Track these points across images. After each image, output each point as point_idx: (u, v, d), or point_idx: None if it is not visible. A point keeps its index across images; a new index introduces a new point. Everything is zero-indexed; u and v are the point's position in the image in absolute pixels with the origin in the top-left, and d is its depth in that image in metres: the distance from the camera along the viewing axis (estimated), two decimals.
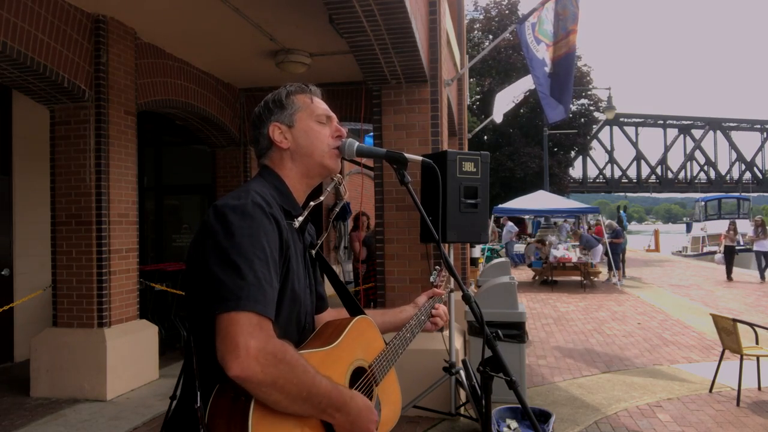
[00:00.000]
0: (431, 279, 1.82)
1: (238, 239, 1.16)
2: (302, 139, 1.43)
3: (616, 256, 14.05)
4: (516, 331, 4.75)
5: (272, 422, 1.12)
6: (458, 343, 4.77)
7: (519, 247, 20.27)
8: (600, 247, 14.10)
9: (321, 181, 1.50)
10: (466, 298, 1.61)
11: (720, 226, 27.61)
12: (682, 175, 54.79)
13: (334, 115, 1.50)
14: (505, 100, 10.35)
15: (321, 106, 1.49)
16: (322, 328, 1.43)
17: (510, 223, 20.22)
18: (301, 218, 1.40)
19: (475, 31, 26.64)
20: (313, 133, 1.44)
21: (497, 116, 10.73)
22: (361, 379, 1.38)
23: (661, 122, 55.62)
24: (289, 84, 1.50)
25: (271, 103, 1.45)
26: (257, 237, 1.18)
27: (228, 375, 1.07)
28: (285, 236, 1.27)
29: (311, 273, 1.46)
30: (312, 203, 1.48)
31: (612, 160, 53.15)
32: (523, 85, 9.82)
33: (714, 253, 25.51)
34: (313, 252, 1.50)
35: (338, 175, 1.52)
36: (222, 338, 1.09)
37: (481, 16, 27.09)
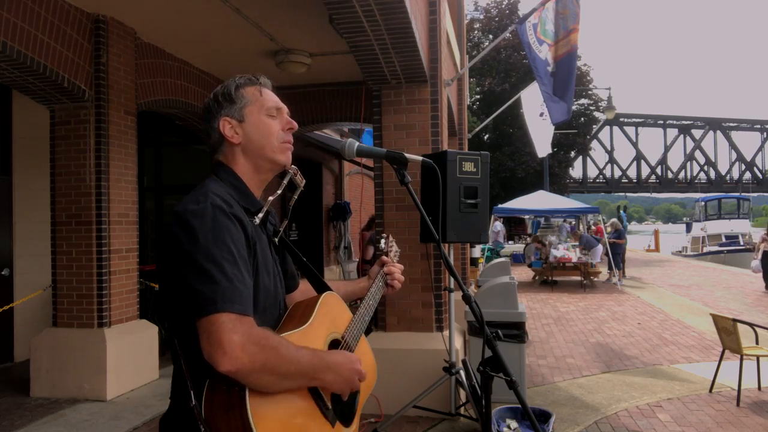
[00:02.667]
0: (381, 246, 1.87)
1: (204, 245, 1.19)
2: (253, 133, 1.42)
3: (617, 256, 14.05)
4: (516, 331, 4.75)
5: (268, 403, 1.18)
6: (458, 343, 4.77)
7: (514, 248, 20.22)
8: (600, 247, 14.10)
9: (273, 175, 1.50)
10: (466, 298, 1.61)
11: (720, 227, 27.65)
12: (682, 175, 54.81)
13: (284, 107, 1.49)
14: (538, 127, 10.32)
15: (271, 98, 1.47)
16: (292, 309, 1.47)
17: (497, 223, 19.66)
18: (261, 215, 1.41)
19: (475, 31, 26.64)
20: (263, 126, 1.42)
21: (541, 151, 10.79)
22: (338, 349, 1.45)
23: (661, 122, 55.63)
24: (239, 76, 1.47)
25: (220, 97, 1.43)
26: (222, 239, 1.21)
27: (218, 371, 1.12)
28: (250, 233, 1.30)
29: (277, 260, 1.50)
30: (270, 198, 1.49)
31: (612, 160, 53.16)
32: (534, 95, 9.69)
33: (714, 253, 25.53)
34: (276, 240, 1.53)
35: (293, 166, 1.52)
36: (206, 339, 1.14)
37: (481, 16, 27.09)
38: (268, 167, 1.45)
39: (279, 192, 1.53)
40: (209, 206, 1.23)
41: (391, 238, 1.90)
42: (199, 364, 1.18)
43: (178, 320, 1.26)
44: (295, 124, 1.49)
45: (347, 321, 1.54)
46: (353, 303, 1.70)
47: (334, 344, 1.45)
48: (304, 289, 1.67)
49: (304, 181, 1.56)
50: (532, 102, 9.88)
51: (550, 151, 10.96)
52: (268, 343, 1.17)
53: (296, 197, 1.60)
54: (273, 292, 1.40)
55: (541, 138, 10.59)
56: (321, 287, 1.61)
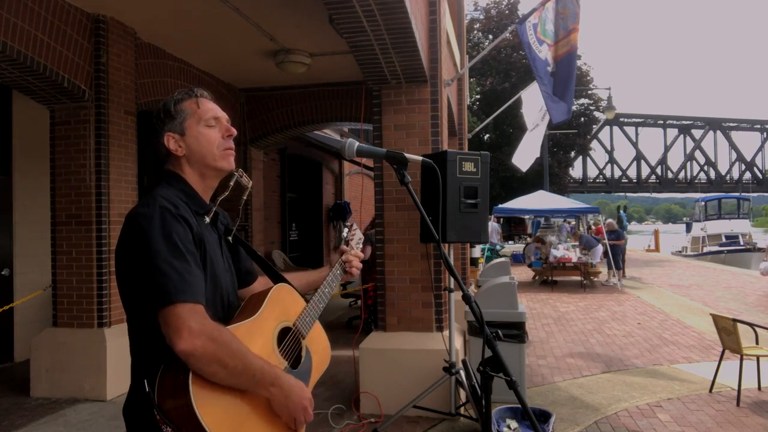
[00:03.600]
0: (343, 235, 1.94)
1: (154, 245, 1.32)
2: (194, 145, 1.52)
3: (616, 257, 14.05)
4: (516, 331, 4.75)
5: (211, 388, 1.28)
6: (458, 343, 4.77)
7: (514, 248, 20.18)
8: (600, 247, 14.10)
9: (218, 180, 1.60)
10: (466, 298, 1.61)
11: (720, 227, 27.65)
12: (682, 175, 54.83)
13: (223, 115, 1.58)
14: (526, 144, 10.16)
15: (208, 108, 1.56)
16: (246, 302, 1.57)
17: (492, 223, 19.43)
18: (210, 215, 1.54)
19: (475, 31, 26.65)
20: (202, 138, 1.52)
21: (522, 165, 10.53)
22: (288, 335, 1.55)
23: (661, 122, 55.65)
24: (177, 92, 1.57)
25: (162, 114, 1.53)
26: (170, 238, 1.33)
27: (175, 350, 1.25)
28: (196, 230, 1.42)
29: (228, 257, 1.62)
30: (219, 198, 1.61)
31: (612, 160, 53.18)
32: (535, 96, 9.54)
33: (714, 253, 25.52)
34: (230, 238, 1.65)
35: (239, 169, 1.62)
36: (166, 326, 1.28)
37: (481, 16, 27.09)
38: (212, 174, 1.55)
39: (227, 193, 1.63)
40: (157, 208, 1.36)
41: (354, 227, 1.97)
42: (153, 353, 1.33)
43: (133, 313, 1.41)
44: (234, 131, 1.59)
45: (299, 309, 1.63)
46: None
47: (285, 331, 1.54)
48: (265, 282, 1.76)
49: (251, 182, 1.67)
50: (531, 108, 9.73)
51: (529, 165, 10.76)
52: (220, 336, 1.29)
53: (245, 197, 1.78)
54: (222, 285, 1.51)
55: (526, 150, 10.39)
56: (276, 280, 1.70)
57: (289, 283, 1.67)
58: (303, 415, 1.43)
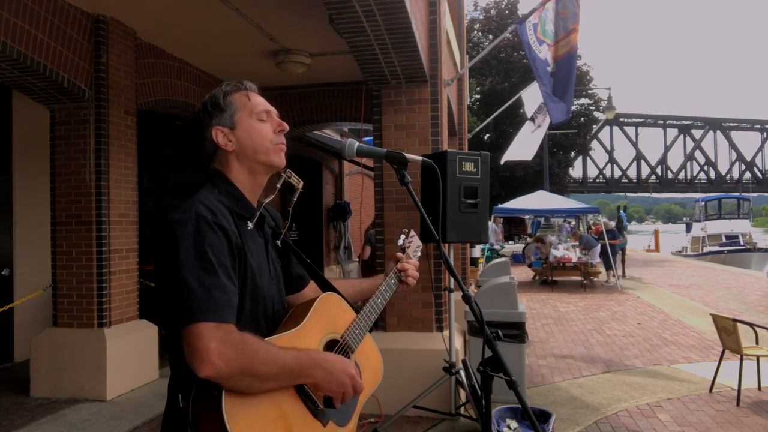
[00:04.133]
0: (399, 242, 1.85)
1: (183, 255, 1.23)
2: (245, 139, 1.43)
3: (607, 256, 14.04)
4: (516, 331, 4.75)
5: (247, 405, 1.20)
6: (458, 343, 4.77)
7: (514, 248, 20.17)
8: (599, 247, 14.09)
9: (268, 177, 1.52)
10: (466, 298, 1.61)
11: (720, 227, 27.64)
12: (682, 175, 54.83)
13: (273, 109, 1.51)
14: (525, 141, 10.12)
15: (259, 102, 1.48)
16: (292, 311, 1.49)
17: (490, 224, 19.52)
18: (254, 219, 1.44)
19: (475, 31, 26.65)
20: (255, 131, 1.44)
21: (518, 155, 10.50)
22: (335, 348, 1.45)
23: (661, 122, 55.65)
24: (225, 84, 1.49)
25: (209, 106, 1.45)
26: (201, 249, 1.24)
27: (199, 377, 1.17)
28: (234, 240, 1.32)
29: (276, 262, 1.52)
30: (264, 201, 1.51)
31: (612, 160, 53.19)
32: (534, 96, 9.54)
33: (714, 253, 25.51)
34: (279, 242, 1.56)
35: (287, 169, 1.54)
36: (186, 348, 1.19)
37: (481, 16, 27.09)
38: (263, 170, 1.47)
39: (273, 195, 1.54)
40: (193, 215, 1.27)
41: (411, 233, 1.88)
42: (188, 369, 1.22)
43: (167, 322, 1.30)
44: (286, 126, 1.50)
45: (348, 321, 1.53)
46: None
47: (331, 344, 1.45)
48: (316, 289, 1.67)
49: (301, 182, 1.57)
50: (533, 107, 9.73)
51: (528, 158, 10.72)
52: (245, 346, 1.20)
53: (295, 199, 1.61)
54: (265, 295, 1.41)
55: (523, 144, 10.34)
56: (325, 288, 1.61)
57: (338, 292, 1.57)
58: (352, 386, 1.36)
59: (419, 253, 1.88)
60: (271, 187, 1.55)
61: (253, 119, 1.45)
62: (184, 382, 1.25)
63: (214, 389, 1.18)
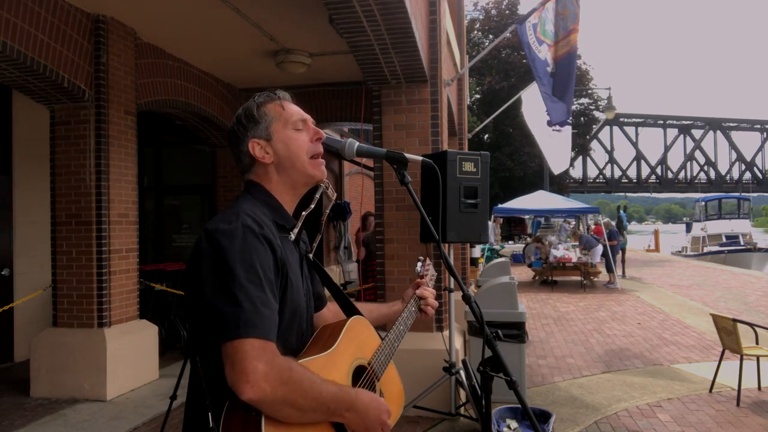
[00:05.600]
0: (417, 269, 1.82)
1: (231, 266, 1.17)
2: (283, 150, 1.40)
3: (614, 257, 14.05)
4: (516, 331, 4.75)
5: (284, 430, 1.16)
6: (458, 343, 4.77)
7: (514, 248, 20.16)
8: (600, 247, 14.10)
9: (307, 189, 1.49)
10: (466, 298, 1.61)
11: (720, 227, 27.64)
12: (682, 175, 54.83)
13: (309, 117, 1.48)
14: (550, 146, 10.12)
15: (294, 111, 1.45)
16: (319, 332, 1.45)
17: (489, 223, 19.45)
18: (296, 230, 1.40)
19: (475, 31, 26.66)
20: (292, 142, 1.41)
21: (556, 168, 10.48)
22: (363, 376, 1.41)
23: (661, 122, 55.65)
24: (257, 95, 1.47)
25: (244, 119, 1.42)
26: (250, 261, 1.19)
27: (241, 399, 1.11)
28: (279, 254, 1.28)
29: (307, 279, 1.48)
30: (304, 213, 1.48)
31: (612, 160, 53.18)
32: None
33: (715, 253, 25.51)
34: (311, 256, 1.52)
35: (324, 181, 1.51)
36: (231, 366, 1.12)
37: (481, 16, 27.11)
38: (303, 181, 1.44)
39: (312, 206, 1.51)
40: (240, 226, 1.22)
41: (428, 262, 1.85)
42: (221, 385, 1.16)
43: (202, 338, 1.23)
44: (323, 134, 1.48)
45: (375, 346, 1.50)
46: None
47: (360, 370, 1.41)
48: (335, 310, 1.63)
49: (335, 194, 1.53)
50: (537, 111, 9.71)
51: (567, 165, 10.72)
52: (291, 375, 1.16)
53: (328, 211, 1.58)
54: (301, 311, 1.37)
55: (557, 152, 10.35)
56: (349, 310, 1.57)
57: (363, 316, 1.53)
58: (381, 430, 1.32)
59: (433, 282, 1.86)
60: (308, 199, 1.52)
61: (289, 129, 1.42)
62: (215, 400, 1.20)
63: (252, 411, 1.13)
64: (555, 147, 10.18)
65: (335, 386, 1.24)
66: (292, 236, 1.39)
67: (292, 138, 1.41)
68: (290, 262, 1.33)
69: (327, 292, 1.66)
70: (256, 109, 1.42)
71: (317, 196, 1.51)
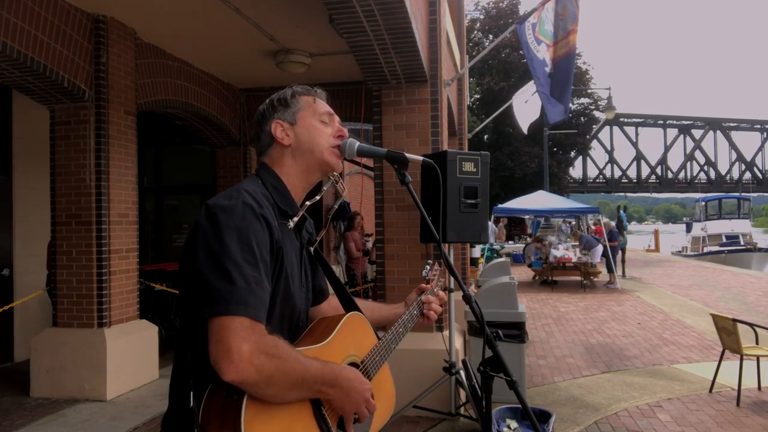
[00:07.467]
0: (423, 273, 1.81)
1: (228, 241, 1.17)
2: (304, 136, 1.44)
3: (614, 257, 14.05)
4: (516, 331, 4.75)
5: (264, 417, 1.14)
6: (458, 343, 4.77)
7: (514, 248, 20.16)
8: (600, 247, 14.10)
9: (321, 178, 1.51)
10: (467, 298, 1.61)
11: (720, 227, 27.65)
12: (682, 175, 54.83)
13: (336, 116, 1.53)
14: (522, 109, 10.40)
15: (324, 106, 1.52)
16: (314, 324, 1.45)
17: (489, 223, 19.44)
18: (296, 218, 1.40)
19: (475, 31, 26.67)
20: (315, 130, 1.46)
21: (523, 127, 10.91)
22: None
23: (661, 122, 55.66)
24: (296, 85, 1.53)
25: (276, 102, 1.48)
26: (247, 239, 1.19)
27: (223, 380, 1.08)
28: (276, 237, 1.27)
29: (307, 270, 1.48)
30: (308, 202, 1.49)
31: (612, 160, 53.19)
32: (531, 88, 9.82)
33: (715, 253, 25.52)
34: (312, 249, 1.52)
35: (334, 174, 1.53)
36: (215, 342, 1.10)
37: (481, 16, 27.12)
38: (318, 167, 1.46)
39: (318, 197, 1.52)
40: (240, 203, 1.22)
41: (436, 266, 1.85)
42: (204, 367, 1.15)
43: (192, 315, 1.20)
44: (346, 132, 1.52)
45: (370, 345, 1.49)
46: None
47: (352, 367, 1.41)
48: (335, 305, 1.62)
49: (345, 190, 1.57)
50: (520, 106, 10.04)
51: (524, 130, 11.20)
52: (277, 352, 1.14)
53: (336, 206, 1.61)
54: (295, 301, 1.36)
55: (526, 115, 10.72)
56: (350, 306, 1.56)
57: (362, 313, 1.53)
58: (365, 407, 1.32)
59: (440, 286, 1.84)
60: (317, 189, 1.54)
61: (315, 120, 1.47)
62: (198, 380, 1.18)
63: (234, 394, 1.11)
64: (527, 111, 10.53)
65: (318, 362, 1.23)
66: (291, 224, 1.38)
67: (316, 127, 1.46)
68: (287, 250, 1.33)
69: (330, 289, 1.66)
70: (291, 95, 1.48)
71: (326, 187, 1.53)
